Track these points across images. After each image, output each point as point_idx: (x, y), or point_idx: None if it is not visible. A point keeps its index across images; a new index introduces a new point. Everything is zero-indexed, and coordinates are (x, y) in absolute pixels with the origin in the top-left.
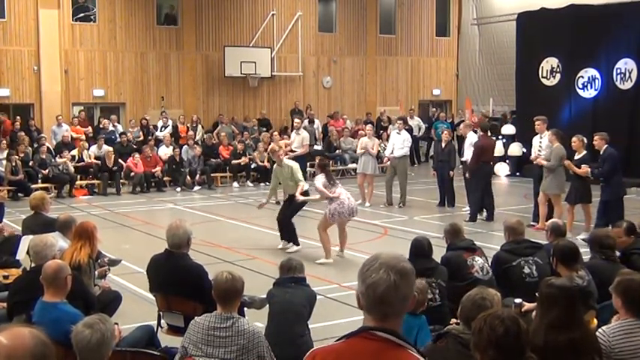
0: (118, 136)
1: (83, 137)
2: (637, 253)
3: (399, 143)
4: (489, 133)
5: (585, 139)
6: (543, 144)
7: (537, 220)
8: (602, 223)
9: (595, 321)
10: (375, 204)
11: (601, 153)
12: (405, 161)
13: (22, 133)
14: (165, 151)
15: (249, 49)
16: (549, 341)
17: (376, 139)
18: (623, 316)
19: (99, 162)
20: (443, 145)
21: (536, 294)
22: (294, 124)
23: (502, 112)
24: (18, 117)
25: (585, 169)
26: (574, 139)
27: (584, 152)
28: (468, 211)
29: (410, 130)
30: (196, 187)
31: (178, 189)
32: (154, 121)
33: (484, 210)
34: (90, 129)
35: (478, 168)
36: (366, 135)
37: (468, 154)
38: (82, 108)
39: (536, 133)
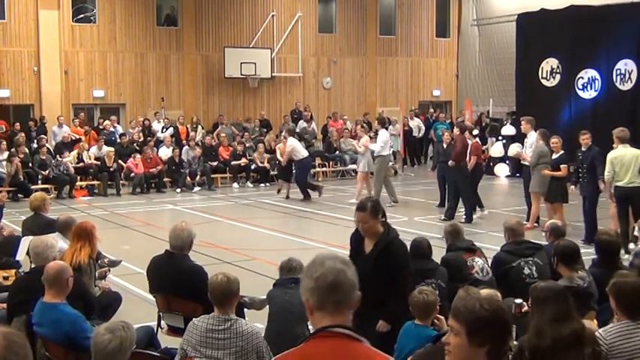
0: (118, 137)
1: (83, 138)
2: None
3: (375, 145)
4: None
5: (560, 140)
6: (528, 143)
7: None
8: (590, 220)
9: (595, 321)
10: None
11: (583, 149)
12: (381, 161)
13: (22, 134)
14: (165, 152)
15: (249, 49)
16: (555, 337)
17: (366, 137)
18: (621, 318)
19: (99, 163)
20: (444, 146)
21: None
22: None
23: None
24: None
25: (565, 170)
26: (553, 139)
27: (562, 152)
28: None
29: (410, 131)
30: (196, 188)
31: (178, 190)
32: (153, 122)
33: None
34: (90, 129)
35: (475, 168)
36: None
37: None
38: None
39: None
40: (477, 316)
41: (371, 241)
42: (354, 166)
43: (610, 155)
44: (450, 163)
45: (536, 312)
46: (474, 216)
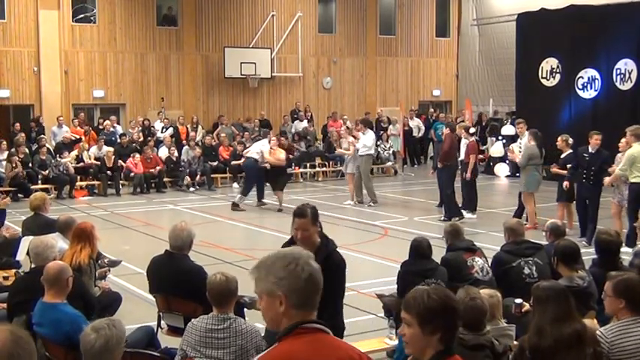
0: (118, 137)
1: (83, 138)
2: None
3: (361, 144)
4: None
5: (570, 139)
6: (522, 144)
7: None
8: (592, 221)
9: (595, 321)
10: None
11: (591, 151)
12: (367, 161)
13: (22, 134)
14: (165, 152)
15: (249, 49)
16: (556, 337)
17: (351, 138)
18: (623, 317)
19: (99, 163)
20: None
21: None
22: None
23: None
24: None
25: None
26: (558, 139)
27: (569, 151)
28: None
29: (410, 131)
30: (191, 189)
31: (184, 186)
32: (154, 122)
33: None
34: (90, 129)
35: (450, 166)
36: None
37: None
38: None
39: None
40: (427, 306)
41: None
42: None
43: (631, 152)
44: (443, 163)
45: (537, 311)
46: (467, 215)
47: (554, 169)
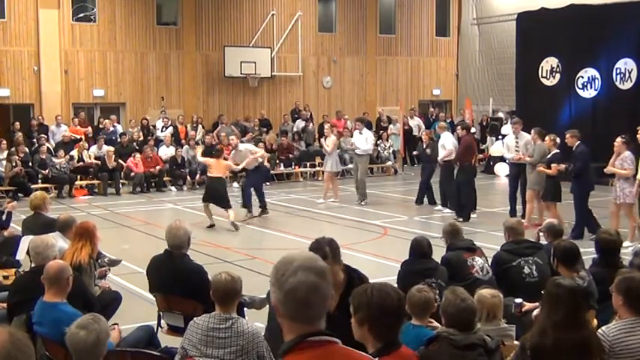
0: (118, 136)
1: (82, 138)
2: None
3: (360, 143)
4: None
5: (558, 139)
6: (520, 143)
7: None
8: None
9: (595, 321)
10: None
11: (573, 150)
12: (365, 159)
13: (21, 134)
14: (165, 152)
15: (249, 49)
16: (560, 341)
17: (334, 137)
18: (624, 315)
19: (99, 162)
20: (424, 146)
21: (542, 292)
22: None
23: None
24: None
25: (556, 168)
26: (546, 138)
27: (556, 151)
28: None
29: (410, 131)
30: (172, 188)
31: (185, 188)
32: (153, 121)
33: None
34: (90, 129)
35: (469, 165)
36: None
37: (440, 153)
38: (82, 110)
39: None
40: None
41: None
42: (351, 166)
43: None
44: (455, 163)
45: (545, 308)
46: (445, 210)
47: (540, 168)
